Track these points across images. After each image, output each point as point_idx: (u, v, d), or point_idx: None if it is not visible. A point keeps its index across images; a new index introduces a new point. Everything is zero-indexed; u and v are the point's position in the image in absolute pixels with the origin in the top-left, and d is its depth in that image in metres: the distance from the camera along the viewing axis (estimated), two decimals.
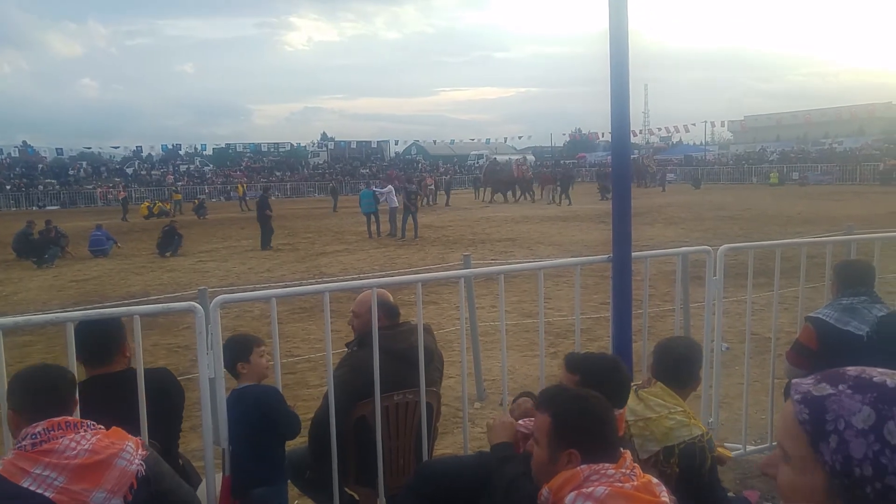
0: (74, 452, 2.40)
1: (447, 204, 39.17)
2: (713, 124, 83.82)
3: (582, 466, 2.22)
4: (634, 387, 3.42)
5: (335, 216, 33.70)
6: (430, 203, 39.26)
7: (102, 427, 2.56)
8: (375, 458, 3.73)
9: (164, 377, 3.54)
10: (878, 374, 1.21)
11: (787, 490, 1.24)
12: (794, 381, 1.27)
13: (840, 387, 1.19)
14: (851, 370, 1.23)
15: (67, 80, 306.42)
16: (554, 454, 2.30)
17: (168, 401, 3.44)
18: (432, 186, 42.62)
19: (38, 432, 2.42)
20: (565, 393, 2.43)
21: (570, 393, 2.41)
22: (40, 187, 58.56)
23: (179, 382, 3.64)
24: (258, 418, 3.48)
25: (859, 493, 1.13)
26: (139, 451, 2.55)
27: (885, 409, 1.14)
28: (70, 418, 2.52)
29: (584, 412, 2.32)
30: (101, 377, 3.29)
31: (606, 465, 2.22)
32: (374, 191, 23.54)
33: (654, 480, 2.25)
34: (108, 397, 3.15)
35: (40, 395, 2.55)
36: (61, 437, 2.42)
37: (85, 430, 2.49)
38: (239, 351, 3.57)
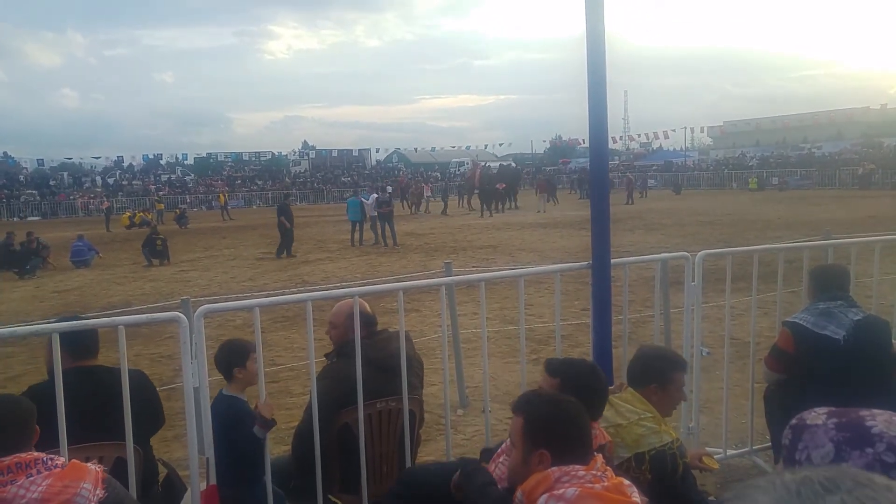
0: (24, 502, 2.20)
1: (444, 212, 37.34)
2: (693, 130, 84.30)
3: (553, 468, 2.26)
4: None
5: (317, 225, 33.58)
6: (427, 211, 38.55)
7: (59, 464, 2.35)
8: (359, 466, 3.75)
9: (138, 377, 3.63)
10: (885, 420, 1.17)
11: None
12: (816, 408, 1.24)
13: (831, 421, 1.17)
14: (878, 412, 1.20)
15: (47, 91, 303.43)
16: (526, 455, 2.35)
17: (139, 400, 3.45)
18: (429, 194, 42.16)
19: None
20: (539, 396, 2.48)
21: (544, 396, 2.47)
22: (21, 198, 58.24)
23: (153, 384, 3.82)
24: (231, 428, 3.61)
25: None
26: (97, 492, 2.31)
27: (845, 451, 1.12)
28: (22, 456, 2.31)
29: (555, 414, 2.38)
30: (85, 368, 3.46)
31: (577, 466, 2.25)
32: (361, 200, 23.47)
33: (626, 482, 2.29)
34: (90, 387, 3.35)
35: None
36: (11, 481, 2.23)
37: (37, 472, 2.27)
38: (238, 355, 3.73)
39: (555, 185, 46.81)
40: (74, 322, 3.42)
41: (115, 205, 48.19)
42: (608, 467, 2.34)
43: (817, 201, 35.18)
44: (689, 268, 4.67)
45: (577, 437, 2.36)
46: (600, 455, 2.37)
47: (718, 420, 5.20)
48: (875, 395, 3.41)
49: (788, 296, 5.08)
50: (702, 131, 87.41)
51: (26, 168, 74.05)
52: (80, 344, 3.46)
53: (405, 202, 40.98)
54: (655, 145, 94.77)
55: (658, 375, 3.42)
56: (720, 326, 6.99)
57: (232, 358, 3.72)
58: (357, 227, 23.17)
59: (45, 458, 2.33)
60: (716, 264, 5.43)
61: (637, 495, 2.25)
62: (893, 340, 4.44)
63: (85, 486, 2.29)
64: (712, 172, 64.49)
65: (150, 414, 3.67)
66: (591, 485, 2.19)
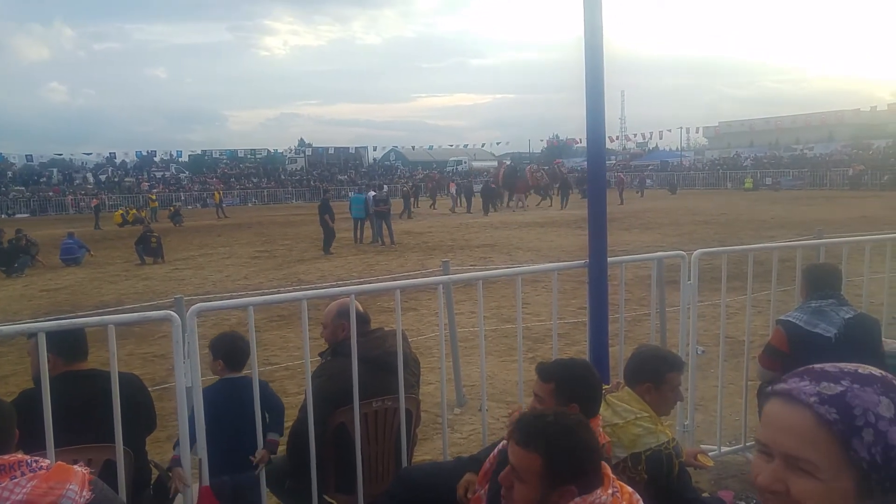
0: None
1: (469, 210, 37.18)
2: (689, 130, 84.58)
3: (576, 500, 2.13)
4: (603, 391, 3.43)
5: (313, 223, 33.44)
6: (453, 210, 37.80)
7: (44, 465, 2.29)
8: (355, 466, 3.73)
9: (132, 381, 3.62)
10: (840, 367, 1.19)
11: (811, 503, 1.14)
12: (780, 387, 1.20)
13: (843, 382, 1.15)
14: (817, 368, 1.19)
15: (35, 85, 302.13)
16: (547, 493, 2.17)
17: (133, 404, 3.45)
18: (453, 191, 41.72)
19: None
20: (552, 429, 2.21)
21: (558, 428, 2.21)
22: (10, 195, 57.83)
23: (147, 388, 3.78)
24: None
25: None
26: (83, 494, 2.25)
27: None
28: (5, 458, 2.24)
29: (579, 448, 2.18)
30: (80, 372, 3.42)
31: (598, 492, 2.15)
32: (366, 197, 23.49)
33: (636, 495, 2.25)
34: (83, 393, 3.30)
35: None
36: None
37: (21, 474, 2.21)
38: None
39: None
40: (62, 321, 3.38)
41: (107, 202, 47.85)
42: (614, 477, 2.25)
43: (809, 201, 35.35)
44: (685, 267, 4.67)
45: (598, 463, 2.23)
46: (607, 466, 2.28)
47: (713, 417, 5.21)
48: None
49: (781, 294, 5.09)
50: (697, 131, 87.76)
51: (14, 164, 73.24)
52: (71, 347, 3.43)
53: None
54: (652, 145, 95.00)
55: (653, 374, 3.41)
56: (714, 325, 6.99)
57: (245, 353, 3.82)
58: (359, 225, 23.19)
59: (29, 460, 2.27)
60: (709, 263, 5.43)
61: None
62: (884, 338, 4.48)
63: (71, 487, 2.24)
64: (707, 172, 64.65)
65: (144, 417, 3.63)
66: None
